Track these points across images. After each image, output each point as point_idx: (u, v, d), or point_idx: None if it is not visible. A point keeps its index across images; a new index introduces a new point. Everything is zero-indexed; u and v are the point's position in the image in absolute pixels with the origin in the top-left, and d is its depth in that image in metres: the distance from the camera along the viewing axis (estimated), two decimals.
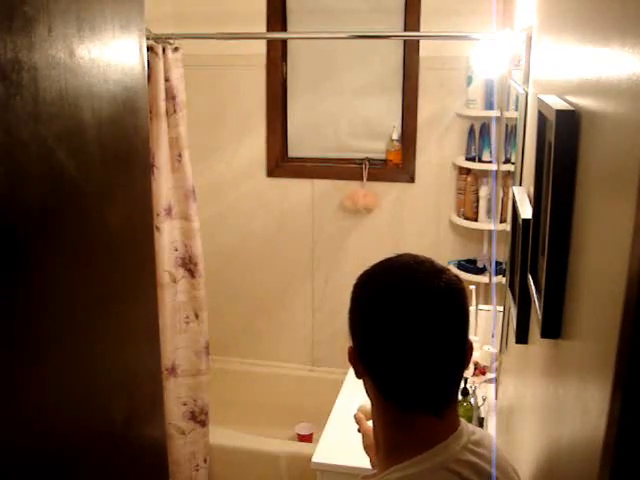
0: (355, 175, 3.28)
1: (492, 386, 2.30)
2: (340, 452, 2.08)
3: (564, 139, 0.79)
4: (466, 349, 0.94)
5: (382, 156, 3.30)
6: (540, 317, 0.86)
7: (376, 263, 0.97)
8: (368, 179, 3.26)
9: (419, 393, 0.93)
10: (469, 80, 2.98)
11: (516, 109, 1.91)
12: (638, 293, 0.48)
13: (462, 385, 2.13)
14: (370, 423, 1.12)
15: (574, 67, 0.85)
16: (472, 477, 0.92)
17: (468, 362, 0.96)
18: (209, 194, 3.38)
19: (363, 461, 2.00)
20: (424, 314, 0.90)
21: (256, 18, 3.25)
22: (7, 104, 0.66)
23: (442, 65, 3.10)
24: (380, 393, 0.95)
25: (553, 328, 0.84)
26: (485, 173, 2.99)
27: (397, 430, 0.96)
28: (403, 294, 0.90)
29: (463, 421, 0.98)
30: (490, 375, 2.34)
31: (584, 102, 0.76)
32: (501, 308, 2.05)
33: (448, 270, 0.93)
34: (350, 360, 0.97)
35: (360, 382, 1.00)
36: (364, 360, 0.95)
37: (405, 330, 0.90)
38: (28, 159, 0.70)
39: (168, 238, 2.60)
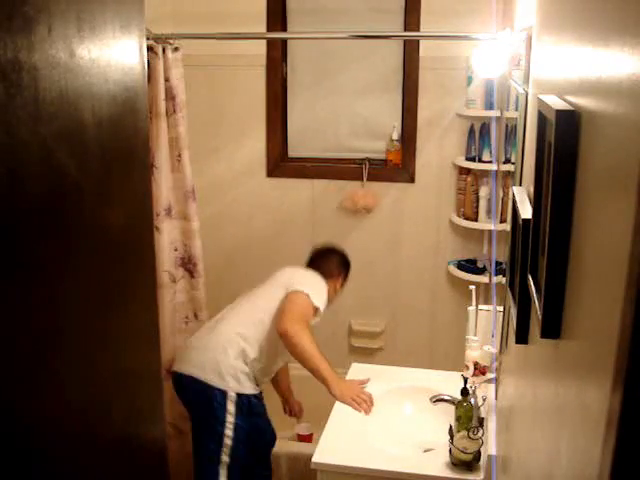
0: (355, 175, 3.28)
1: (492, 386, 2.30)
2: (340, 452, 2.08)
3: (564, 139, 0.79)
4: None
5: (382, 156, 3.30)
6: (540, 317, 0.86)
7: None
8: (368, 179, 3.26)
9: None
10: (469, 80, 2.98)
11: (516, 109, 1.91)
12: (638, 293, 0.48)
13: (462, 385, 2.13)
14: None
15: (574, 67, 0.85)
16: None
17: None
18: (209, 194, 3.38)
19: (363, 461, 2.01)
20: None
21: (256, 18, 3.25)
22: (7, 104, 0.65)
23: (442, 65, 3.10)
24: None
25: (553, 328, 0.84)
26: (485, 173, 2.99)
27: None
28: None
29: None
30: (490, 375, 2.34)
31: (584, 102, 0.76)
32: (501, 308, 2.05)
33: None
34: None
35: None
36: None
37: None
38: (28, 159, 0.70)
39: (168, 238, 2.60)
